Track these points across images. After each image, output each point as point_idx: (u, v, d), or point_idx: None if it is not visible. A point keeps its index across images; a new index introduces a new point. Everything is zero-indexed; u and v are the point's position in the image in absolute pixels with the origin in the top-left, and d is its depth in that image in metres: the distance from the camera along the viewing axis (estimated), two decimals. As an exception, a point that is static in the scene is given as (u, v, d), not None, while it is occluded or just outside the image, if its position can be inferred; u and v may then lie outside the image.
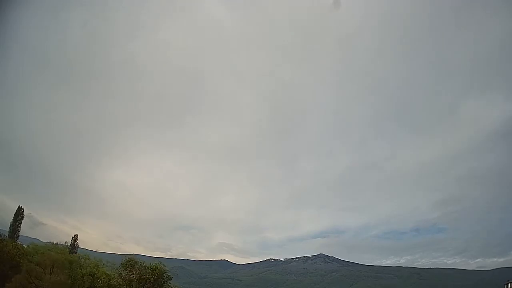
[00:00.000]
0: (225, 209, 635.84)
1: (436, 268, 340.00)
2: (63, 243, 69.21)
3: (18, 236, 72.95)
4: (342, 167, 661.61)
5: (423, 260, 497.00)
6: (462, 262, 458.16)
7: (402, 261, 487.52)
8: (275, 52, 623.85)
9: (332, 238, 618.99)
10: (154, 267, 42.76)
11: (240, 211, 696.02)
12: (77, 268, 46.78)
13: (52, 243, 59.61)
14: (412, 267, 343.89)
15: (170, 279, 46.73)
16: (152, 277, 41.70)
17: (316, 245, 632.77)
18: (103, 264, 51.20)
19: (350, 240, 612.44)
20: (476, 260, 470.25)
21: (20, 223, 74.47)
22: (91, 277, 43.34)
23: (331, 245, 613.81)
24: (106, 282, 41.21)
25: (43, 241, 66.67)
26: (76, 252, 72.57)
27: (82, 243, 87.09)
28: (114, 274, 42.57)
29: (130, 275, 41.06)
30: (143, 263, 43.84)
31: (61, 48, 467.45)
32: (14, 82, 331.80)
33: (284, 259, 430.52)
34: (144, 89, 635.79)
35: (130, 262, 42.64)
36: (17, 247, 51.01)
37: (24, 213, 76.05)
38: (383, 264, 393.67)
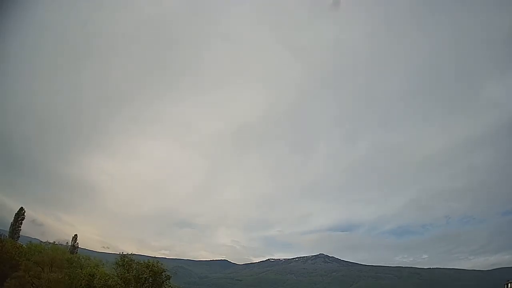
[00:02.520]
0: (229, 203, 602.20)
1: (436, 268, 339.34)
2: (64, 243, 69.92)
3: (19, 236, 73.36)
4: (360, 152, 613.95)
5: (440, 257, 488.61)
6: (483, 258, 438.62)
7: (425, 256, 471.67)
8: (296, 23, 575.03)
9: (347, 233, 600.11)
10: (150, 264, 42.57)
11: (246, 205, 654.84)
12: (77, 268, 47.16)
13: (53, 243, 60.03)
14: (412, 267, 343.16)
15: (169, 279, 46.63)
16: (150, 276, 41.72)
17: (325, 242, 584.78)
18: (103, 264, 51.59)
19: (364, 236, 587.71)
20: (496, 255, 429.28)
21: (21, 223, 74.94)
22: (90, 277, 43.56)
23: (342, 241, 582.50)
24: (105, 281, 41.27)
25: (43, 241, 66.86)
26: (76, 252, 72.99)
27: (82, 243, 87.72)
28: (113, 274, 42.60)
29: (127, 274, 41.01)
30: (139, 262, 43.68)
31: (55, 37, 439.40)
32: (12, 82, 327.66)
33: (284, 259, 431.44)
34: (139, 64, 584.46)
35: (126, 260, 42.52)
36: (16, 247, 51.38)
37: (25, 214, 76.61)
38: (388, 264, 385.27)
